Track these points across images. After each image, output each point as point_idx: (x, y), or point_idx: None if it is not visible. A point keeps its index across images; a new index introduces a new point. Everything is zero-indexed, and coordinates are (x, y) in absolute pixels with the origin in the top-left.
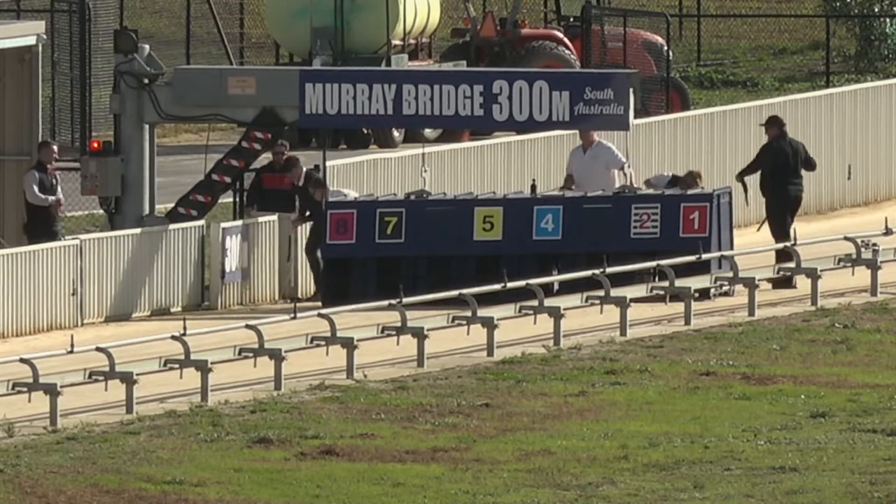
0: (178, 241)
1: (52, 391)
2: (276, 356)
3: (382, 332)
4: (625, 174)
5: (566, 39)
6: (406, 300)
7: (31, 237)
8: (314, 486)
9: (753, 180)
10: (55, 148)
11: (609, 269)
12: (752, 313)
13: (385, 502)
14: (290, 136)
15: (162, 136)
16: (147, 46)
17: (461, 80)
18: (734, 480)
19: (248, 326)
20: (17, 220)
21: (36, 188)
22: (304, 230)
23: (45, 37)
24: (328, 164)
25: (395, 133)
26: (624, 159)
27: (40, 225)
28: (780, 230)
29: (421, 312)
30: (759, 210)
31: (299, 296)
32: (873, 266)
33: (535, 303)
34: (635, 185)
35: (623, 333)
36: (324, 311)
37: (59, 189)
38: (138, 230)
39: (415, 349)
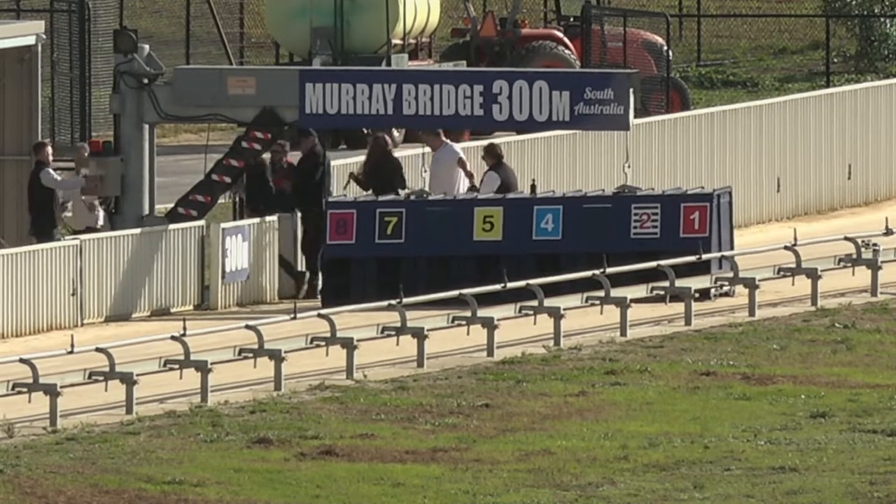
0: (178, 241)
1: (52, 391)
2: (276, 356)
3: (382, 332)
4: (625, 173)
5: (566, 39)
6: (406, 300)
7: (35, 223)
8: (314, 486)
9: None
10: (49, 149)
11: (609, 269)
12: (752, 313)
13: (385, 502)
14: (290, 136)
15: (162, 136)
16: (147, 46)
17: (461, 80)
18: (734, 480)
19: (248, 326)
20: (18, 220)
21: (57, 176)
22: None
23: (44, 37)
24: (332, 163)
25: (395, 133)
26: (460, 153)
27: (47, 215)
28: None
29: (421, 312)
30: None
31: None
32: (873, 266)
33: (535, 303)
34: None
35: (623, 334)
36: (324, 311)
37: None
38: (138, 230)
39: (415, 349)
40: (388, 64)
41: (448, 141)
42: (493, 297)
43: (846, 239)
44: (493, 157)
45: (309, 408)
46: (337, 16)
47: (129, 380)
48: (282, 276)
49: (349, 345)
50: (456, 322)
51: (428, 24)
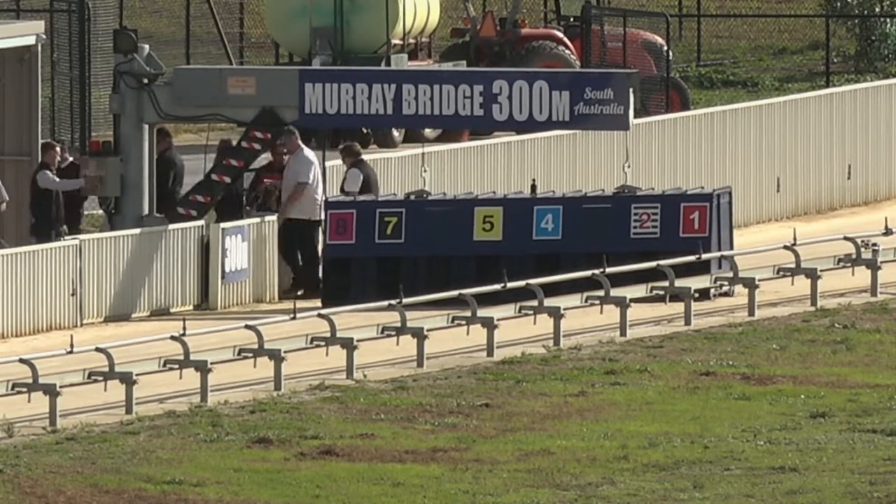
0: (178, 241)
1: (51, 391)
2: (276, 356)
3: (382, 332)
4: (625, 173)
5: (566, 39)
6: (406, 300)
7: (34, 224)
8: (314, 486)
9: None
10: (58, 150)
11: (609, 269)
12: (752, 313)
13: (385, 502)
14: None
15: None
16: (147, 46)
17: (461, 80)
18: (734, 480)
19: (247, 326)
20: (17, 220)
21: (56, 178)
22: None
23: (44, 37)
24: (328, 164)
25: (395, 133)
26: (306, 179)
27: (45, 216)
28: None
29: (421, 312)
30: None
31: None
32: (873, 266)
33: (535, 303)
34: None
35: (623, 333)
36: (324, 311)
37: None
38: (138, 230)
39: (415, 349)
40: (388, 64)
41: (304, 147)
42: (493, 297)
43: (846, 239)
44: (352, 155)
45: (309, 408)
46: (337, 16)
47: (128, 380)
48: (284, 275)
49: (349, 345)
50: (456, 322)
51: (428, 24)
